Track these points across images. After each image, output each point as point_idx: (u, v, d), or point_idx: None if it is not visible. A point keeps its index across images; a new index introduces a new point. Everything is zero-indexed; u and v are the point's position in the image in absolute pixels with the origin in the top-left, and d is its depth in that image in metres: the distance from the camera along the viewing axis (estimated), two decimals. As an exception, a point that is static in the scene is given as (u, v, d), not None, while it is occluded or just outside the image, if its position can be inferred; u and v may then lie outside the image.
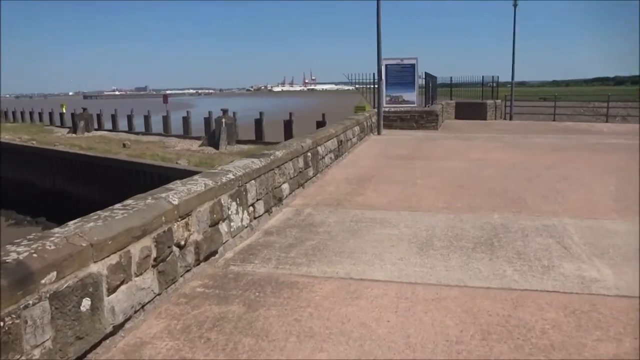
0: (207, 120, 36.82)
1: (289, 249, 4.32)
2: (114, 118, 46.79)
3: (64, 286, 2.43)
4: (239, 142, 35.14)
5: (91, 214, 3.04)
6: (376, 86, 17.23)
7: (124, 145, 34.63)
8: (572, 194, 6.21)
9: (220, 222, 4.24)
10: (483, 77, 23.18)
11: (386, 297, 3.28)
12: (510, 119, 23.11)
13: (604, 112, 31.29)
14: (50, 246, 2.46)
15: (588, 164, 8.50)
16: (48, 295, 2.32)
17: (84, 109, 43.10)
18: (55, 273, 2.37)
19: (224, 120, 34.88)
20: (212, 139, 35.18)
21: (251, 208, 4.96)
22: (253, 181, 5.03)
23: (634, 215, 5.20)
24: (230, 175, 4.56)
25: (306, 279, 3.63)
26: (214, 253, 4.13)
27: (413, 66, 16.79)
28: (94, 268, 2.65)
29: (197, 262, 3.85)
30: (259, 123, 36.23)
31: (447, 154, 10.19)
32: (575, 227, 4.77)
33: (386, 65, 16.84)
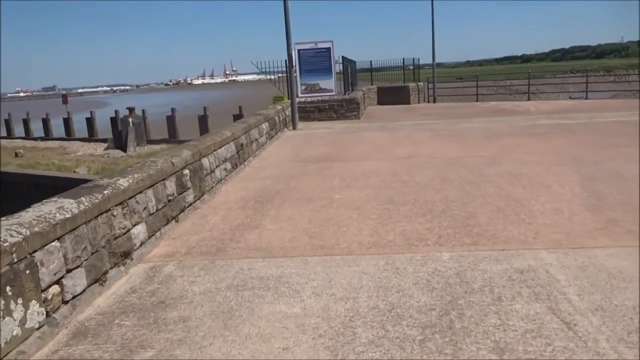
0: (114, 121, 33.32)
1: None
2: (7, 123, 41.78)
3: None
4: (150, 142, 32.16)
5: None
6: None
7: (16, 155, 30.62)
8: (534, 204, 4.71)
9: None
10: (404, 59, 22.01)
11: None
12: (434, 101, 22.16)
13: (522, 90, 31.62)
14: None
15: (534, 155, 7.18)
16: None
17: (-31, 116, 38.07)
18: None
19: (130, 119, 31.69)
20: (118, 141, 31.92)
21: (53, 289, 2.94)
22: (56, 242, 3.00)
23: (626, 235, 3.75)
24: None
25: None
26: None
27: (329, 50, 15.06)
28: None
29: None
30: (171, 120, 33.33)
31: (371, 150, 8.55)
32: (562, 271, 3.20)
33: (299, 50, 15.01)
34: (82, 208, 3.31)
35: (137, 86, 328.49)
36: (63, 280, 3.03)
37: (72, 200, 3.33)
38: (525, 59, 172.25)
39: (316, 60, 15.05)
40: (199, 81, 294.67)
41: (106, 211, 3.61)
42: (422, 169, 6.65)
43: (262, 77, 15.64)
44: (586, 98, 20.06)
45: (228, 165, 6.87)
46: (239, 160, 7.48)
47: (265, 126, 9.82)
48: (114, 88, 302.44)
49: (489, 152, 7.59)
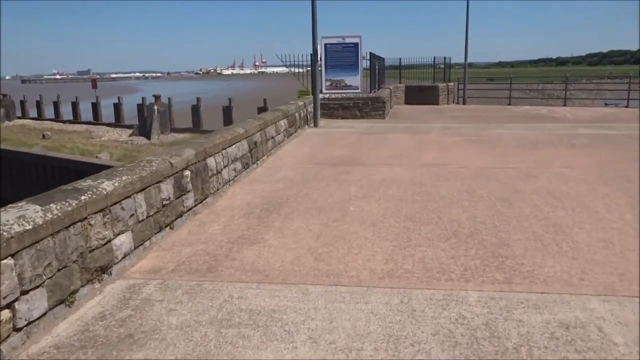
0: (141, 108, 33.40)
1: None
2: (39, 105, 42.48)
3: None
4: (174, 130, 32.12)
5: None
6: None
7: (44, 137, 31.00)
8: (578, 232, 4.06)
9: None
10: (434, 57, 21.19)
11: None
12: (464, 103, 21.30)
13: (555, 95, 30.32)
14: None
15: (575, 170, 6.47)
16: None
17: (4, 95, 38.81)
18: None
19: (156, 107, 31.68)
20: (143, 128, 31.97)
21: (2, 315, 2.48)
22: (8, 260, 2.54)
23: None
24: None
25: None
26: None
27: (356, 45, 14.43)
28: None
29: None
30: (196, 110, 33.25)
31: (393, 154, 7.95)
32: (619, 330, 2.58)
33: (325, 44, 14.44)
34: (48, 217, 2.84)
35: (168, 73, 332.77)
36: (16, 304, 2.57)
37: (38, 208, 2.86)
38: (561, 61, 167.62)
39: (343, 56, 14.45)
40: (229, 71, 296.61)
41: (81, 220, 3.14)
42: (449, 180, 6.03)
43: (293, 70, 15.09)
44: (627, 106, 18.95)
45: (238, 165, 6.38)
46: (252, 160, 6.99)
47: (283, 123, 9.30)
48: (146, 75, 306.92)
49: (524, 164, 6.91)
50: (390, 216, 4.60)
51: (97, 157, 23.72)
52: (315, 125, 12.08)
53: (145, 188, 3.98)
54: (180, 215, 4.60)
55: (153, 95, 33.32)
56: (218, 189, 5.59)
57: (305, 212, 4.82)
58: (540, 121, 12.88)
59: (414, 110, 17.37)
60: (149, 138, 30.22)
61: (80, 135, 32.50)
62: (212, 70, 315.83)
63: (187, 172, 4.80)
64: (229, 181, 5.99)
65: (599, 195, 5.16)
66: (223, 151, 5.86)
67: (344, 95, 14.17)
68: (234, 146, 6.27)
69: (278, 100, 15.27)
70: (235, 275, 3.37)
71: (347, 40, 14.46)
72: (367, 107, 14.03)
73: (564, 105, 19.78)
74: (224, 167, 5.85)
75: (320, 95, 14.21)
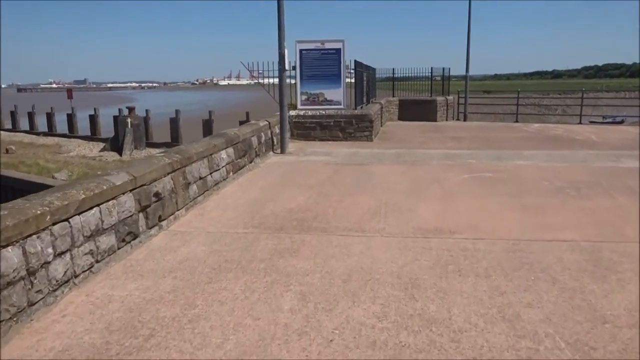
0: (116, 120, 30.81)
1: None
2: (13, 115, 40.02)
3: None
4: (151, 145, 29.56)
5: None
6: (290, 78, 12.29)
7: (7, 151, 28.46)
8: None
9: None
10: (432, 68, 18.69)
11: None
12: (465, 119, 18.77)
13: (560, 111, 27.95)
14: None
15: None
16: None
17: (-26, 106, 36.47)
18: None
19: (129, 120, 29.13)
20: (115, 143, 29.41)
21: None
22: None
23: None
24: None
25: None
26: None
27: (339, 52, 11.89)
28: None
29: None
30: (174, 123, 30.67)
31: (375, 206, 5.34)
32: None
33: (301, 50, 11.89)
34: None
35: (164, 84, 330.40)
36: None
37: None
38: (556, 74, 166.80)
39: (322, 64, 11.90)
40: (225, 82, 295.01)
41: None
42: (463, 274, 3.42)
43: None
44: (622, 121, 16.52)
45: (104, 242, 3.75)
46: (147, 223, 4.36)
47: (225, 155, 6.69)
48: (143, 84, 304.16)
49: (580, 232, 4.31)
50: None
51: (53, 176, 21.14)
52: (282, 151, 9.48)
53: None
54: None
55: (127, 107, 30.80)
56: (30, 312, 2.94)
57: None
58: (564, 146, 10.32)
59: (408, 128, 14.80)
60: (121, 154, 27.70)
61: (48, 149, 29.90)
62: (208, 81, 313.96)
63: None
64: (68, 284, 3.34)
65: None
66: (57, 225, 3.23)
67: (324, 113, 11.60)
68: (93, 211, 3.64)
69: (265, 112, 12.60)
70: None
71: (328, 46, 11.92)
72: (351, 127, 11.46)
73: (579, 122, 17.29)
74: (56, 256, 3.22)
75: (294, 112, 11.65)
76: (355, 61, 11.98)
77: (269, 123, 9.43)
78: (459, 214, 4.99)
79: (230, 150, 6.95)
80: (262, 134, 8.82)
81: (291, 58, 11.68)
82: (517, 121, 18.04)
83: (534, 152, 9.38)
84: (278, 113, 9.80)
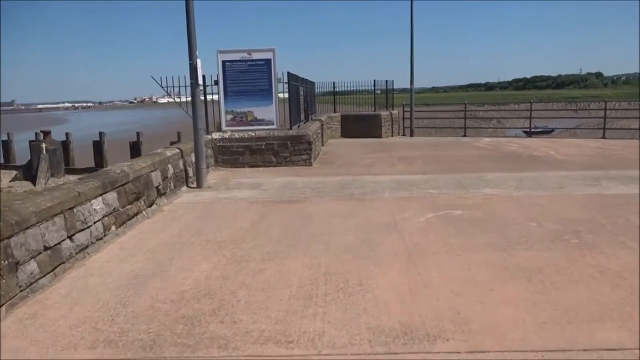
0: (33, 145, 27.34)
1: None
2: None
3: None
4: (71, 171, 26.35)
5: None
6: (210, 94, 10.50)
7: None
8: None
9: None
10: (375, 81, 17.36)
11: None
12: (411, 134, 17.53)
13: (495, 122, 27.58)
14: None
15: None
16: None
17: None
18: None
19: (44, 145, 25.97)
20: (29, 171, 26.08)
21: None
22: None
23: None
24: None
25: None
26: None
27: (268, 63, 10.17)
28: None
29: None
30: (98, 146, 27.73)
31: (310, 279, 3.59)
32: None
33: (224, 62, 10.09)
34: None
35: (99, 103, 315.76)
36: None
37: None
38: (489, 86, 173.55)
39: (250, 78, 10.14)
40: (165, 100, 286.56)
41: None
42: None
43: (174, 97, 10.26)
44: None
45: None
46: None
47: (100, 205, 4.72)
48: (76, 105, 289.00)
49: (622, 320, 2.76)
50: None
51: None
52: (199, 185, 7.58)
53: None
54: None
55: (41, 131, 27.60)
56: None
57: None
58: (528, 166, 9.04)
59: (352, 147, 13.25)
60: (34, 183, 24.53)
61: (-51, 181, 26.19)
62: (147, 99, 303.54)
63: None
64: None
65: None
66: None
67: (253, 134, 9.79)
68: None
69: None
70: None
71: (256, 56, 10.17)
72: (286, 150, 9.72)
73: (529, 136, 16.46)
74: None
75: (218, 135, 9.78)
76: (289, 73, 10.29)
77: (181, 151, 7.51)
78: (435, 293, 3.32)
79: (112, 195, 4.99)
80: (170, 166, 6.89)
81: (213, 71, 9.90)
82: (465, 135, 17.01)
83: (499, 174, 8.00)
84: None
